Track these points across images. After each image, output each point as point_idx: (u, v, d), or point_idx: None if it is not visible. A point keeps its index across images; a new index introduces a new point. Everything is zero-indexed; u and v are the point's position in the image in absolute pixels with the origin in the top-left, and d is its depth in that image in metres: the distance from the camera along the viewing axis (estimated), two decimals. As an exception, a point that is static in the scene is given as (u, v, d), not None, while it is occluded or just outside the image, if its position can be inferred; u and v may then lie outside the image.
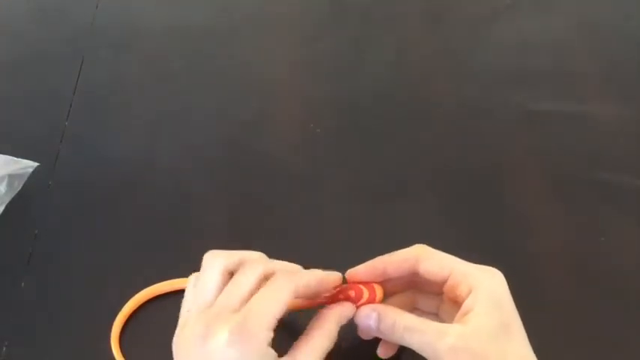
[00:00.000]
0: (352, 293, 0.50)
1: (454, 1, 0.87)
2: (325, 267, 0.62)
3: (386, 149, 0.70)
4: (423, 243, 0.62)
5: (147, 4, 0.86)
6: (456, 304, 0.46)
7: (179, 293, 0.59)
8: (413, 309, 0.51)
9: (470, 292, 0.44)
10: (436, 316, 0.50)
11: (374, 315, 0.47)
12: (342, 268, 0.62)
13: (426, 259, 0.48)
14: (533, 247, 0.63)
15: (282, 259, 0.62)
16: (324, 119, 0.73)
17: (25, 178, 0.65)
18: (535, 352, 0.46)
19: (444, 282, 0.47)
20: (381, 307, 0.47)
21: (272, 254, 0.62)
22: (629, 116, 0.73)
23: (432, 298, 0.50)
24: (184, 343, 0.43)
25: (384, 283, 0.50)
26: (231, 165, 0.69)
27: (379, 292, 0.50)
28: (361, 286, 0.50)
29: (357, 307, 0.49)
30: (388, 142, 0.71)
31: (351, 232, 0.64)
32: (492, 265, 0.48)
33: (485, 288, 0.44)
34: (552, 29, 0.82)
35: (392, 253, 0.49)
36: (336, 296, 0.51)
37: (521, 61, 0.78)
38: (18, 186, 0.64)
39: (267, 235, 0.64)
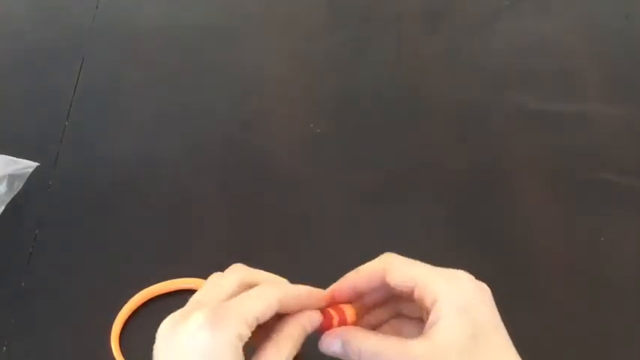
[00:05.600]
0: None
1: (454, 1, 0.87)
2: (325, 266, 0.62)
3: (386, 149, 0.70)
4: (423, 243, 0.63)
5: (147, 4, 0.86)
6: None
7: (179, 293, 0.59)
8: (396, 315, 0.49)
9: (434, 303, 0.41)
10: (421, 320, 0.48)
11: (338, 343, 0.43)
12: (340, 268, 0.62)
13: (392, 270, 0.43)
14: (534, 247, 0.63)
15: (282, 259, 0.62)
16: (324, 119, 0.73)
17: (25, 178, 0.65)
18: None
19: (412, 293, 0.43)
20: (345, 334, 0.44)
21: (271, 253, 0.62)
22: (629, 116, 0.73)
23: (415, 303, 0.45)
24: (161, 327, 0.42)
25: (361, 298, 0.47)
26: (231, 165, 0.69)
27: (350, 312, 0.47)
28: (330, 310, 0.46)
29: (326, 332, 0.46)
30: (388, 142, 0.71)
31: (351, 232, 0.64)
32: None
33: (449, 297, 0.40)
34: (552, 29, 0.82)
35: (359, 269, 0.45)
36: None
37: (522, 61, 0.78)
38: (18, 186, 0.64)
39: (266, 234, 0.64)
